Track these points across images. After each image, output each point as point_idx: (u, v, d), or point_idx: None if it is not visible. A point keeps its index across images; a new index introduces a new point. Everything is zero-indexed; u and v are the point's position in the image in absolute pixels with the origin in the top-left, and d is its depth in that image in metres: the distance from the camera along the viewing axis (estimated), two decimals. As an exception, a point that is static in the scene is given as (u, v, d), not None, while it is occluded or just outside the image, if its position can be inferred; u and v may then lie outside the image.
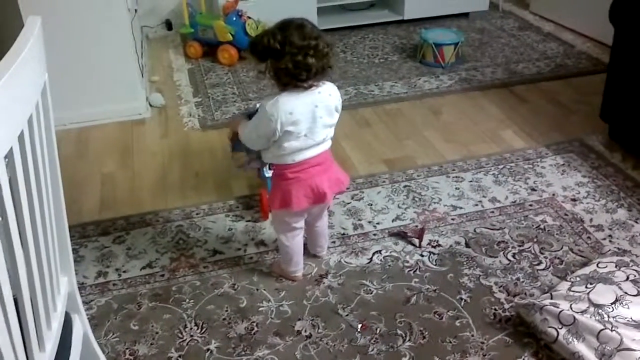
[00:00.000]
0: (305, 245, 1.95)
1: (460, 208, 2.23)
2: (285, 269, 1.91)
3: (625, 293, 1.64)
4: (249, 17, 3.41)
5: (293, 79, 1.59)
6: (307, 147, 1.67)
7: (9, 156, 0.88)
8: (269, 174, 2.03)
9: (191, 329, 1.75)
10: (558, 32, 3.81)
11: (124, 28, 2.83)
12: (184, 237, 2.13)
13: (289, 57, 1.55)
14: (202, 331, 1.74)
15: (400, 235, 2.10)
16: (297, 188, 1.69)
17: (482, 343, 1.68)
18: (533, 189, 2.33)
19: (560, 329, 1.58)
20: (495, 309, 1.79)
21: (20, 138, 0.91)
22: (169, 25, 3.91)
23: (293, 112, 1.60)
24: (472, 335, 1.70)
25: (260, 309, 1.81)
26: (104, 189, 2.42)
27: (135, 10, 3.26)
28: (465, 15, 4.09)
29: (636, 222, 2.13)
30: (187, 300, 1.85)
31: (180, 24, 3.74)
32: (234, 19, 3.39)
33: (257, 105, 1.74)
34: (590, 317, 1.58)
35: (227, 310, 1.81)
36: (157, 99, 3.06)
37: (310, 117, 1.63)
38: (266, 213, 2.16)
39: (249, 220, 2.19)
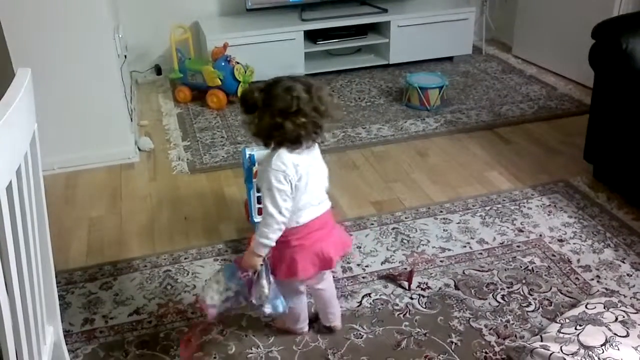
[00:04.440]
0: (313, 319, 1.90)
1: (449, 250, 2.24)
2: (291, 327, 1.85)
3: (615, 334, 1.64)
4: (238, 62, 3.46)
5: (269, 139, 1.56)
6: (311, 205, 1.61)
7: (-3, 207, 0.88)
8: (257, 219, 2.02)
9: (179, 377, 1.73)
10: (540, 74, 3.90)
11: (113, 73, 2.86)
12: (172, 283, 2.11)
13: (269, 119, 1.52)
14: (190, 379, 1.72)
15: (389, 278, 2.09)
16: (302, 256, 1.61)
17: (474, 387, 1.66)
18: (520, 230, 2.34)
19: (551, 372, 1.57)
20: (486, 352, 1.78)
21: (8, 189, 0.91)
22: (158, 70, 3.96)
23: (299, 164, 1.55)
24: (464, 380, 1.69)
25: (250, 355, 1.79)
26: (92, 234, 2.41)
27: (125, 56, 3.30)
28: (449, 59, 4.18)
29: (623, 262, 2.14)
30: (175, 347, 1.83)
31: (169, 69, 3.79)
32: (223, 64, 3.44)
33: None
34: (581, 360, 1.57)
35: (215, 357, 1.78)
36: (146, 143, 3.08)
37: (311, 171, 1.59)
38: None
39: (237, 265, 2.18)
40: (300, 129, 1.52)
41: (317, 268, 1.65)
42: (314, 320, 1.89)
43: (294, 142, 1.55)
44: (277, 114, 1.51)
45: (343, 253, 1.74)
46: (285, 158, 1.54)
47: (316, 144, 1.63)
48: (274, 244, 1.58)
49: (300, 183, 1.57)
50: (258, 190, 1.70)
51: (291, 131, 1.51)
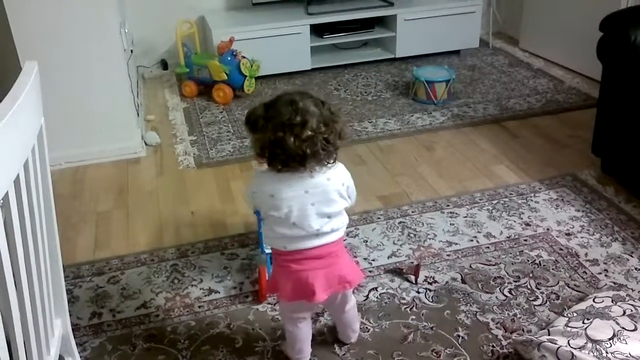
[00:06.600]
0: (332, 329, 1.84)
1: (456, 244, 2.23)
2: (288, 353, 1.73)
3: (623, 328, 1.64)
4: (244, 57, 3.46)
5: (273, 159, 1.41)
6: (300, 237, 1.47)
7: (4, 200, 0.88)
8: (269, 249, 2.01)
9: (186, 370, 1.73)
10: (548, 68, 3.87)
11: (120, 68, 2.86)
12: (179, 276, 2.11)
13: (270, 133, 1.38)
14: (197, 372, 1.72)
15: (396, 271, 2.09)
16: (285, 278, 1.51)
17: (481, 381, 1.66)
18: (527, 224, 2.33)
19: (559, 365, 1.57)
20: (493, 346, 1.77)
21: (16, 182, 0.91)
22: (164, 65, 3.96)
23: (274, 195, 1.43)
24: (470, 373, 1.69)
25: (257, 349, 1.79)
26: (99, 229, 2.42)
27: (131, 51, 3.31)
28: (456, 52, 4.16)
29: (631, 255, 2.13)
30: (182, 340, 1.83)
31: (175, 64, 3.79)
32: (229, 58, 3.43)
33: None
34: (589, 354, 1.57)
35: (222, 351, 1.79)
36: (153, 138, 3.08)
37: (298, 203, 1.43)
38: (264, 293, 1.98)
39: (244, 259, 2.19)
40: (304, 144, 1.37)
41: (298, 297, 1.51)
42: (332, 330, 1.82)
43: (299, 162, 1.40)
44: (279, 128, 1.37)
45: (339, 290, 1.56)
46: (261, 184, 1.46)
47: (336, 172, 1.51)
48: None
49: (278, 214, 1.44)
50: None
51: (294, 147, 1.37)
